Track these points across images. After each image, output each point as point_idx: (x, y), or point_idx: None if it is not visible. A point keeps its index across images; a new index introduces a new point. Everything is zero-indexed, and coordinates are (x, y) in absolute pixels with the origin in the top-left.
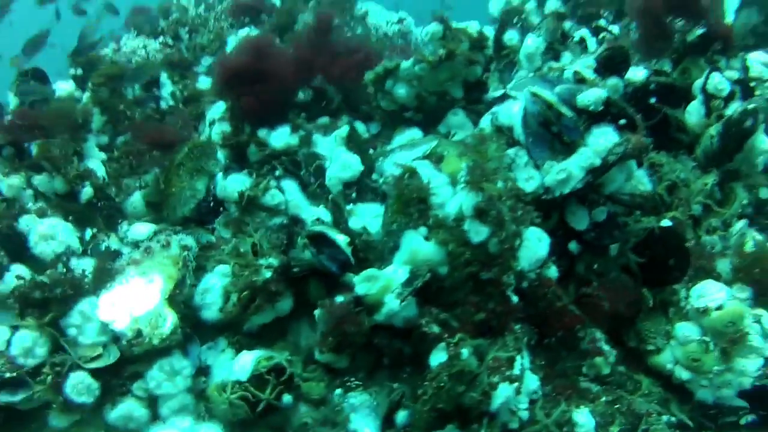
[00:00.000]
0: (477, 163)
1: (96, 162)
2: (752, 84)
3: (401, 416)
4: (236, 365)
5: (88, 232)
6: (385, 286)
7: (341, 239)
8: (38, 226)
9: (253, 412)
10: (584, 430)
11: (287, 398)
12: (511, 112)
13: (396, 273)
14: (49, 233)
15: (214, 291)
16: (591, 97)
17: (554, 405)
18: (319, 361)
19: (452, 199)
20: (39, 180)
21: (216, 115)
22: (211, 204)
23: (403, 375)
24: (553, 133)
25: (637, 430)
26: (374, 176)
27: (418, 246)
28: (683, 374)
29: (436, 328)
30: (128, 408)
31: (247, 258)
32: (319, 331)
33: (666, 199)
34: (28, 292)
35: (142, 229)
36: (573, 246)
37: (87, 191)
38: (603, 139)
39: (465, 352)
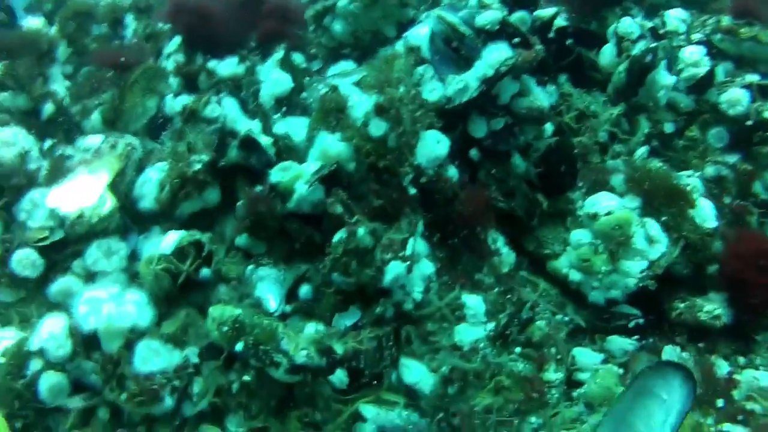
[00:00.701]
0: (383, 72)
1: (60, 86)
2: (666, 35)
3: (304, 290)
4: (163, 242)
5: (48, 143)
6: (297, 175)
7: (264, 140)
8: (1, 133)
9: (175, 285)
10: (473, 312)
11: (205, 272)
12: (420, 34)
13: (308, 165)
14: (10, 140)
15: (151, 183)
16: (488, 17)
17: (449, 292)
18: (239, 247)
19: (361, 105)
20: (3, 96)
21: (171, 48)
22: (161, 122)
23: (315, 262)
24: (455, 49)
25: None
26: (304, 95)
27: (328, 144)
28: (576, 276)
29: (339, 208)
30: (67, 283)
31: (183, 155)
32: (238, 216)
33: (573, 126)
34: None
35: (95, 140)
36: (474, 153)
37: (48, 108)
38: (496, 53)
39: (361, 230)
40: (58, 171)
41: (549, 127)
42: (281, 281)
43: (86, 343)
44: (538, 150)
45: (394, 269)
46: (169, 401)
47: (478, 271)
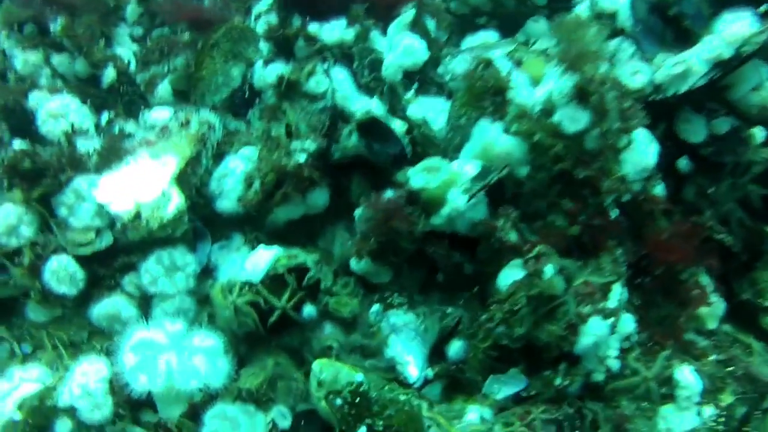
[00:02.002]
0: (573, 43)
1: (125, 51)
2: None
3: (455, 348)
4: (249, 262)
5: (105, 116)
6: (450, 179)
7: (397, 125)
8: (48, 103)
9: (263, 324)
10: (688, 393)
11: (309, 309)
12: None
13: (464, 167)
14: (59, 111)
15: (234, 176)
16: None
17: (652, 356)
18: (354, 273)
19: (537, 89)
20: (59, 59)
21: (263, 8)
22: (247, 95)
23: (460, 300)
24: (668, 19)
25: (760, 404)
26: (440, 70)
27: (493, 138)
28: None
29: (513, 236)
30: (115, 305)
31: (279, 140)
32: (358, 231)
33: None
34: (18, 161)
35: (162, 114)
36: (683, 163)
37: (110, 73)
38: (737, 25)
39: (549, 269)
40: (113, 153)
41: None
42: (421, 333)
43: (134, 403)
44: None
45: (594, 329)
46: None
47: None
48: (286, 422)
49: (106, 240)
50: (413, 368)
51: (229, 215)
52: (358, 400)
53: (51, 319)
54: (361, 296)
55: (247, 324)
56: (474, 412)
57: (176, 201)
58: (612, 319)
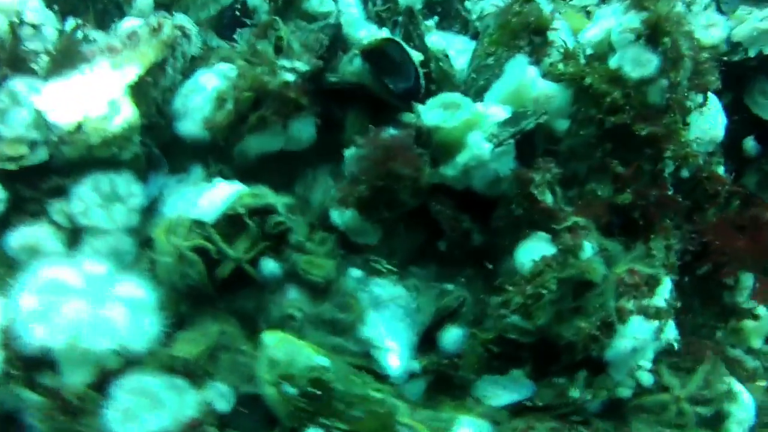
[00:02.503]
0: None
1: None
2: None
3: (452, 336)
4: (203, 198)
5: (71, 23)
6: (472, 120)
7: (414, 54)
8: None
9: (211, 279)
10: (736, 420)
11: (271, 266)
12: None
13: (490, 109)
14: (11, 7)
15: (203, 93)
16: None
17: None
18: (335, 228)
19: (586, 31)
20: None
21: None
22: (238, 13)
23: (461, 277)
24: None
25: None
26: (468, 4)
27: (530, 79)
28: None
29: (548, 197)
30: (35, 235)
31: (265, 56)
32: (346, 173)
33: None
34: None
35: (133, 23)
36: (750, 144)
37: None
38: None
39: (588, 248)
40: (67, 57)
41: None
42: (412, 313)
43: (30, 361)
44: None
45: (635, 331)
46: None
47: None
48: (225, 404)
49: (40, 155)
50: (395, 357)
51: (193, 141)
52: (316, 391)
53: None
54: (339, 258)
55: (190, 276)
56: (466, 426)
57: (126, 114)
58: (658, 322)
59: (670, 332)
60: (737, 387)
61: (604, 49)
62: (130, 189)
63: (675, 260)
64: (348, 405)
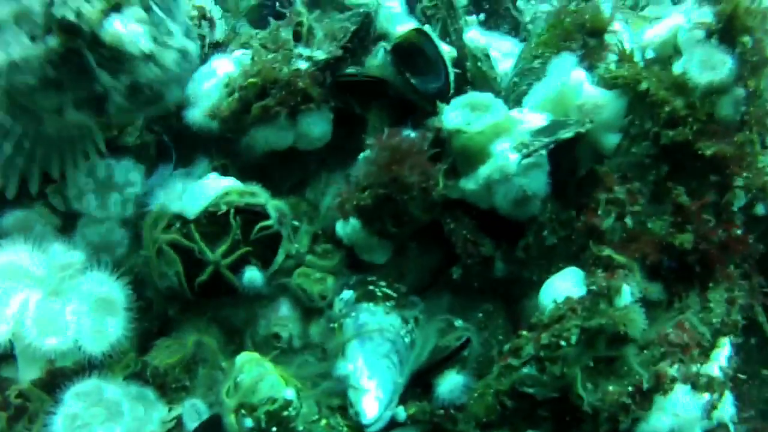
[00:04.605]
0: None
1: None
2: None
3: (450, 383)
4: (189, 190)
5: None
6: (501, 124)
7: (446, 50)
8: None
9: (189, 283)
10: None
11: (251, 273)
12: None
13: (525, 115)
14: None
15: (214, 78)
16: None
17: None
18: (339, 240)
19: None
20: None
21: None
22: (276, 6)
23: (479, 312)
24: None
25: None
26: (520, 4)
27: (574, 82)
28: None
29: (609, 222)
30: (28, 217)
31: (282, 42)
32: (353, 175)
33: None
34: None
35: None
36: None
37: None
38: None
39: (626, 293)
40: None
41: None
42: (403, 349)
43: None
44: None
45: (677, 405)
46: None
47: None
48: (195, 423)
49: None
50: (371, 402)
51: (200, 130)
52: (274, 429)
53: None
54: (342, 274)
55: (167, 277)
56: None
57: None
58: (710, 395)
59: (726, 411)
60: None
61: (669, 52)
62: (129, 177)
63: (738, 318)
64: None
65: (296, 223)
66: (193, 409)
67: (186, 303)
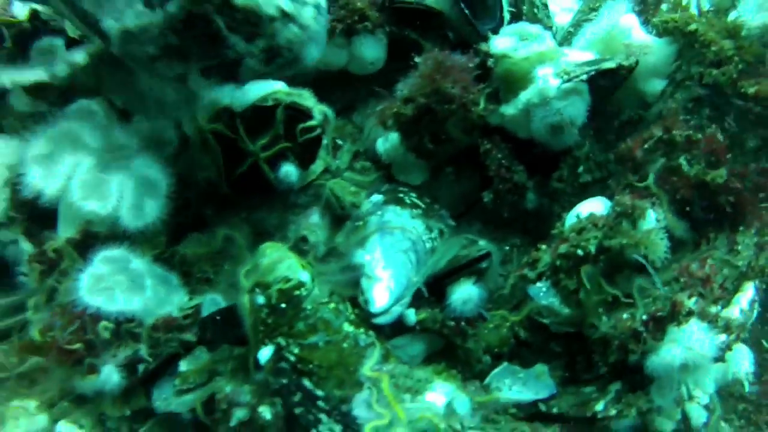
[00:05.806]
0: None
1: None
2: None
3: (463, 292)
4: (242, 89)
5: None
6: (546, 53)
7: None
8: None
9: (227, 169)
10: None
11: (288, 168)
12: None
13: (572, 50)
14: None
15: None
16: None
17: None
18: (378, 158)
19: None
20: None
21: None
22: None
23: (506, 245)
24: None
25: None
26: None
27: (624, 24)
28: None
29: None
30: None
31: None
32: (398, 89)
33: None
34: None
35: None
36: None
37: None
38: None
39: (650, 217)
40: None
41: None
42: (422, 251)
43: (34, 210)
44: None
45: (690, 340)
46: (114, 376)
47: None
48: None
49: None
50: (382, 291)
51: None
52: (283, 305)
53: None
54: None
55: (208, 167)
56: (440, 393)
57: None
58: (727, 337)
59: (742, 363)
60: None
61: (726, 4)
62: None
63: (766, 263)
64: (310, 329)
65: (340, 142)
66: (213, 303)
67: (222, 203)
